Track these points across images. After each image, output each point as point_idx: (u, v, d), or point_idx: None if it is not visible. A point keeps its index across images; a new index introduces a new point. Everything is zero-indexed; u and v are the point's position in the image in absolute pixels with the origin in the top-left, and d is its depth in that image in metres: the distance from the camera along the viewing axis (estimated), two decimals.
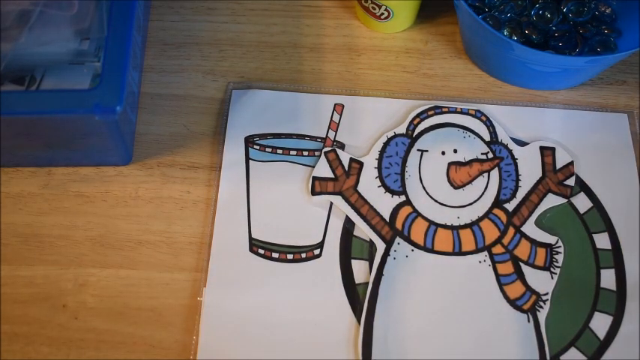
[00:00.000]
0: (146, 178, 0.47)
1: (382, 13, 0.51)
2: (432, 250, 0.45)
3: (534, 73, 0.49)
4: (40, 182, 0.46)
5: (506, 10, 0.52)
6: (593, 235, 0.46)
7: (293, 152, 0.48)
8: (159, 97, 0.50)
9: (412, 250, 0.45)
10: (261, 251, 0.44)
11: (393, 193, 0.47)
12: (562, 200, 0.47)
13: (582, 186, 0.48)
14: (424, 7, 0.53)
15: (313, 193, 0.46)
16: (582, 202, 0.47)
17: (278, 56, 0.53)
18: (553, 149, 0.48)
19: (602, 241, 0.46)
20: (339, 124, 0.49)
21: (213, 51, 0.53)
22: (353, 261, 0.44)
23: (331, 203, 0.46)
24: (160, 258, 0.44)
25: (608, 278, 0.44)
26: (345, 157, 0.48)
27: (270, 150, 0.48)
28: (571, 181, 0.47)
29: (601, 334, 0.43)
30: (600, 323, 0.43)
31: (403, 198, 0.46)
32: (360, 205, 0.46)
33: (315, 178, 0.47)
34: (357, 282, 0.44)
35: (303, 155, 0.48)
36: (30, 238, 0.44)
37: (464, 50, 0.53)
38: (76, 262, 0.44)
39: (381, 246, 0.45)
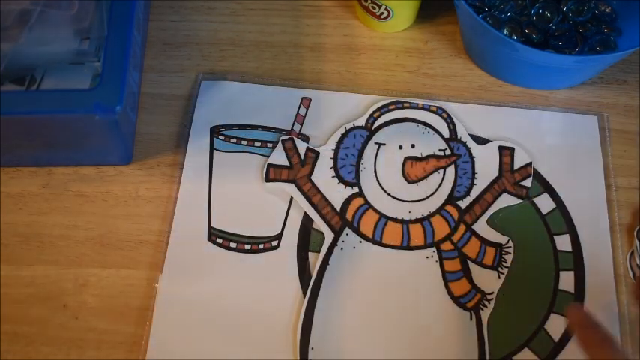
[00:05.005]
0: (146, 178, 0.47)
1: (382, 13, 0.51)
2: (380, 243, 0.45)
3: (534, 72, 0.49)
4: (41, 182, 0.46)
5: (506, 10, 0.52)
6: (554, 236, 0.46)
7: (257, 144, 0.48)
8: (159, 97, 0.50)
9: (360, 242, 0.45)
10: (219, 240, 0.44)
11: (346, 184, 0.47)
12: (517, 200, 0.47)
13: (546, 187, 0.47)
14: (424, 7, 0.53)
15: (267, 180, 0.46)
16: (545, 203, 0.47)
17: (278, 56, 0.53)
18: (512, 149, 0.48)
19: (563, 242, 0.45)
20: (305, 117, 0.49)
21: (213, 51, 0.53)
22: (310, 253, 0.44)
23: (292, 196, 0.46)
24: (160, 258, 0.44)
25: (567, 280, 0.44)
26: (301, 146, 0.47)
27: (234, 141, 0.48)
28: (528, 182, 0.47)
29: (556, 335, 0.42)
30: (556, 324, 0.43)
31: (356, 189, 0.46)
32: (312, 194, 0.46)
33: (270, 166, 0.46)
34: (312, 274, 0.44)
35: (267, 147, 0.48)
36: (30, 238, 0.44)
37: (464, 50, 0.53)
38: (77, 261, 0.44)
39: (329, 236, 0.45)
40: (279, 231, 0.45)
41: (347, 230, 0.45)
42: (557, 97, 0.52)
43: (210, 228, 0.45)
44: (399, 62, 0.53)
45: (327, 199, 0.46)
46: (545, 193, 0.47)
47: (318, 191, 0.46)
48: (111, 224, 0.45)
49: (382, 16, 0.52)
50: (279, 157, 0.47)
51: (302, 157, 0.47)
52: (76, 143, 0.45)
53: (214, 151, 0.48)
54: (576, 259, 0.45)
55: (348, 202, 0.46)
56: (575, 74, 0.51)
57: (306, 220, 0.45)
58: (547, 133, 0.49)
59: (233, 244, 0.44)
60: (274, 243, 0.45)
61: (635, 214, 0.47)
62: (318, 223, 0.45)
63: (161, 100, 0.50)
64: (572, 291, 0.44)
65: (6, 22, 0.40)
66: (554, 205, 0.47)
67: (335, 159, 0.47)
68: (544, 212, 0.46)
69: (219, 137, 0.48)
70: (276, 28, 0.54)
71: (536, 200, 0.47)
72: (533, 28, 0.52)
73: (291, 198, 0.46)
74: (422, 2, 0.52)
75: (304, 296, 0.43)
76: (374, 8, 0.51)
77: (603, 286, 0.44)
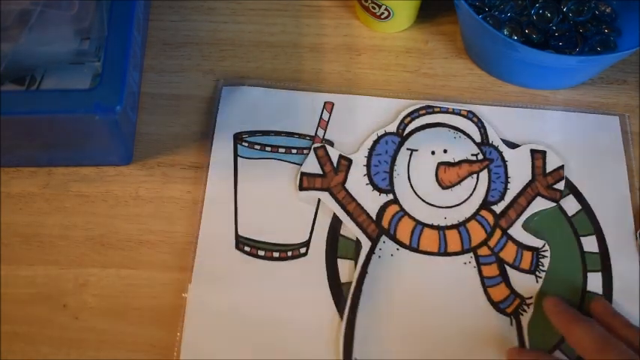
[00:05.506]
0: (146, 178, 0.47)
1: (382, 13, 0.51)
2: (417, 250, 0.44)
3: (534, 72, 0.49)
4: (40, 182, 0.46)
5: (506, 10, 0.52)
6: (581, 238, 0.46)
7: (282, 150, 0.47)
8: (159, 97, 0.50)
9: (397, 249, 0.44)
10: (247, 249, 0.44)
11: (380, 191, 0.46)
12: (551, 204, 0.46)
13: (572, 188, 0.47)
14: (424, 7, 0.53)
15: (301, 188, 0.46)
16: (571, 205, 0.47)
17: (278, 56, 0.53)
18: (544, 152, 0.48)
19: (590, 244, 0.45)
20: (328, 122, 0.49)
21: (213, 51, 0.53)
22: (339, 260, 0.44)
23: (319, 201, 0.46)
24: (160, 258, 0.44)
25: (595, 282, 0.44)
26: (334, 154, 0.47)
27: (258, 147, 0.48)
28: (560, 185, 0.47)
29: None
30: None
31: (391, 196, 0.46)
32: (347, 202, 0.46)
33: (303, 174, 0.46)
34: (342, 281, 0.43)
35: (291, 153, 0.47)
36: (30, 238, 0.44)
37: (464, 50, 0.53)
38: (77, 262, 0.44)
39: (366, 244, 0.44)
40: (307, 238, 0.45)
41: (384, 238, 0.45)
42: (558, 97, 0.52)
43: (237, 236, 0.45)
44: (399, 62, 0.53)
45: (362, 207, 0.46)
46: (571, 195, 0.47)
47: (353, 199, 0.46)
48: (111, 224, 0.45)
49: (382, 16, 0.52)
50: (311, 165, 0.47)
51: (335, 165, 0.47)
52: (76, 143, 0.45)
53: (238, 157, 0.47)
54: (603, 261, 0.45)
55: (383, 209, 0.46)
56: (575, 74, 0.51)
57: (334, 227, 0.45)
58: (571, 134, 0.49)
59: (261, 252, 0.44)
60: (302, 250, 0.44)
61: (635, 215, 0.47)
62: (354, 231, 0.45)
63: (161, 100, 0.50)
64: (601, 292, 0.44)
65: (6, 22, 0.40)
66: (580, 207, 0.47)
67: (368, 166, 0.47)
68: (570, 214, 0.46)
69: (243, 144, 0.48)
70: (276, 28, 0.54)
71: (562, 202, 0.47)
72: (534, 28, 0.52)
73: (318, 204, 0.46)
74: (422, 2, 0.52)
75: (334, 303, 0.42)
76: (374, 8, 0.51)
77: (630, 287, 0.44)
